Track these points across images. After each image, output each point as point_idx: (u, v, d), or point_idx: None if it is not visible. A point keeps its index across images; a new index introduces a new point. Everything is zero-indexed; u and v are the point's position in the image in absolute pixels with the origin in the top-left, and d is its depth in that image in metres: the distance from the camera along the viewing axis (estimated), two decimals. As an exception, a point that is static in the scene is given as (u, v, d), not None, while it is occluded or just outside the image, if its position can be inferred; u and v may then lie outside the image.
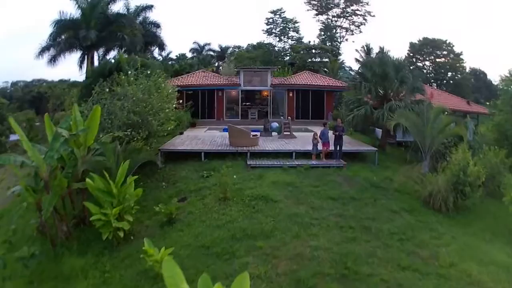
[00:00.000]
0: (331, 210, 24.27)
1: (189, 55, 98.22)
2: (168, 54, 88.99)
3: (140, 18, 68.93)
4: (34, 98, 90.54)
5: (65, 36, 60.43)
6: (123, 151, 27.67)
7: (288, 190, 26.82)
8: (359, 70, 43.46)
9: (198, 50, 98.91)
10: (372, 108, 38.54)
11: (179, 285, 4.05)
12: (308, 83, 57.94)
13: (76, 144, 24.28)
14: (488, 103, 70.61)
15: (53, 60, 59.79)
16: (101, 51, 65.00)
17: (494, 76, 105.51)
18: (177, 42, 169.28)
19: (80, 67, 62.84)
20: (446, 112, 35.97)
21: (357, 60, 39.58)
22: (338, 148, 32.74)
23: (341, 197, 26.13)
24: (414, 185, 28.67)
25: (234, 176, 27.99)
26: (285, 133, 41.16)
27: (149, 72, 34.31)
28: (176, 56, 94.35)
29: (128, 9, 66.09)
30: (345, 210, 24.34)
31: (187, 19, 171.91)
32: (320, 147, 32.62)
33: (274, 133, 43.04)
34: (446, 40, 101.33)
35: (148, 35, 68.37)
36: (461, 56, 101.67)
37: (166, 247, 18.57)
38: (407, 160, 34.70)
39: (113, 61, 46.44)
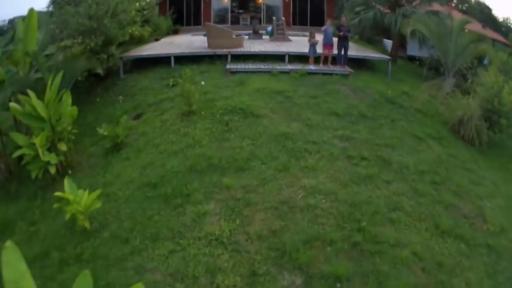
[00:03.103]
0: (335, 130, 17.88)
1: None
2: None
3: None
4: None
5: None
6: (63, 61, 22.60)
7: (276, 100, 20.21)
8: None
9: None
10: (382, 13, 33.16)
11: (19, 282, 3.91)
12: None
13: (12, 62, 20.80)
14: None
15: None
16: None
17: (499, 13, 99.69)
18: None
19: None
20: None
21: None
22: (343, 52, 26.12)
23: (348, 112, 19.65)
24: (439, 106, 23.42)
25: (202, 82, 21.76)
26: (278, 35, 34.72)
27: None
28: None
29: None
30: (354, 132, 17.97)
31: None
32: (320, 50, 26.09)
33: (265, 37, 36.55)
34: None
35: None
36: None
37: (104, 185, 15.05)
38: (423, 77, 29.75)
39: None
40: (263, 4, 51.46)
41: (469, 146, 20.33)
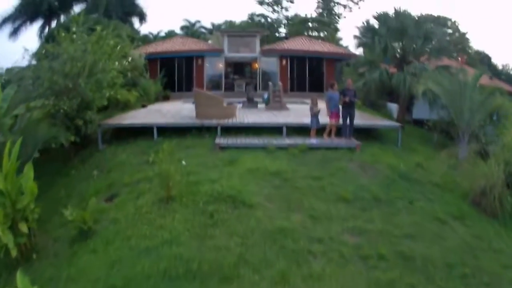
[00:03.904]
0: (344, 221, 14.99)
1: (179, 33, 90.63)
2: (158, 33, 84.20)
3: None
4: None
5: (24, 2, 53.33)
6: (26, 126, 20.45)
7: (272, 184, 17.36)
8: (370, 25, 34.90)
9: (188, 27, 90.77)
10: (388, 72, 31.09)
11: None
12: (305, 49, 49.90)
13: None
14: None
15: (14, 32, 53.99)
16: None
17: (498, 61, 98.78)
18: (169, 24, 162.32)
19: (40, 37, 56.07)
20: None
21: (356, 36, 34.57)
22: (348, 121, 23.38)
23: (358, 196, 16.86)
24: (456, 177, 20.62)
25: (183, 162, 18.92)
26: (274, 103, 32.09)
27: (98, 28, 26.21)
28: (165, 33, 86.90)
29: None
30: (367, 221, 15.14)
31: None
32: (325, 119, 23.48)
33: (261, 105, 34.04)
34: (451, 18, 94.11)
35: (127, 4, 61.23)
36: (466, 36, 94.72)
37: (66, 280, 12.48)
38: (434, 143, 27.94)
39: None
40: (259, 69, 49.93)
41: (492, 219, 17.83)
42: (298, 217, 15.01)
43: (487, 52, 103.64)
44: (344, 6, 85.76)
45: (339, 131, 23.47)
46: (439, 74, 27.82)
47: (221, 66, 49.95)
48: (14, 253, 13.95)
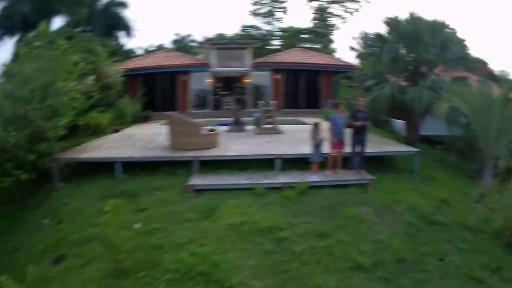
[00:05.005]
0: None
1: (170, 47, 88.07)
2: (148, 48, 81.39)
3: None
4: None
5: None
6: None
7: (262, 249, 13.09)
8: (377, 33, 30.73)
9: (179, 41, 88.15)
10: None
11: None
12: (300, 61, 46.16)
13: None
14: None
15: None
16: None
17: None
18: (162, 39, 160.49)
19: (17, 54, 51.99)
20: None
21: (352, 48, 31.62)
22: (360, 149, 19.18)
23: (378, 260, 12.96)
24: (483, 211, 16.82)
25: (136, 225, 14.56)
26: (265, 126, 27.75)
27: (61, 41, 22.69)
28: (155, 47, 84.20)
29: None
30: None
31: (171, 14, 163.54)
32: (326, 148, 18.93)
33: (251, 127, 29.71)
34: (449, 24, 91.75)
35: (111, 17, 58.35)
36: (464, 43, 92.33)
37: None
38: (450, 165, 25.05)
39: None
40: (250, 84, 46.90)
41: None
42: (297, 304, 10.86)
43: (483, 58, 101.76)
44: (339, 17, 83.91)
45: (345, 160, 19.30)
46: (457, 87, 24.70)
47: (208, 81, 46.54)
48: None
